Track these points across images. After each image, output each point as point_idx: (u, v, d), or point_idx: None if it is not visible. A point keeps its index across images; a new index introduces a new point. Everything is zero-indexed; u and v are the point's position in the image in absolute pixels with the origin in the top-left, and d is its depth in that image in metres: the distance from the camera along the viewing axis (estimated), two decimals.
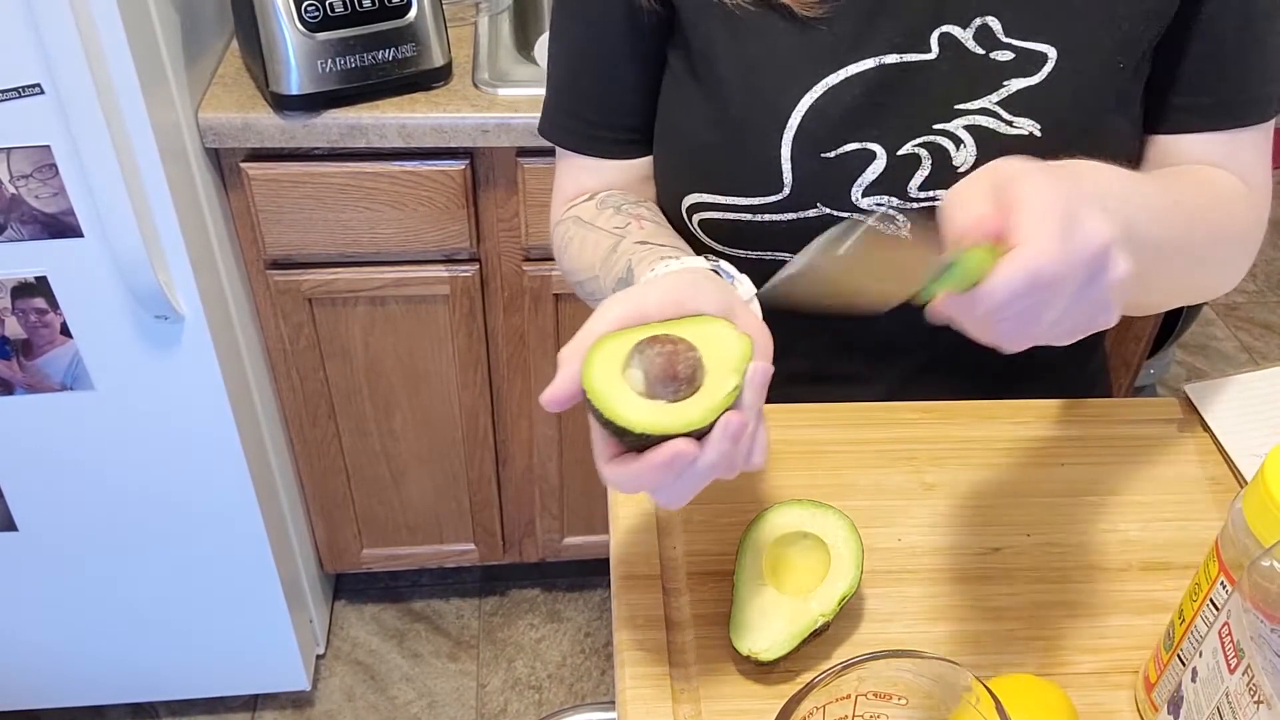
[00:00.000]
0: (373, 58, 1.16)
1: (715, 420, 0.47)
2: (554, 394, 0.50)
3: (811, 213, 0.68)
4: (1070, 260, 0.43)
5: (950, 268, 0.44)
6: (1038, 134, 0.65)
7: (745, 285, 0.60)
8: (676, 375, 0.48)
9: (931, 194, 0.67)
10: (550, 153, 0.80)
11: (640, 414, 0.47)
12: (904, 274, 0.46)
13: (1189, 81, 0.67)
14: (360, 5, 1.14)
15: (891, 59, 0.65)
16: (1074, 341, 0.49)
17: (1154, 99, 0.69)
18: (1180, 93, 0.68)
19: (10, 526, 1.33)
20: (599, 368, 0.49)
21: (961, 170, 0.66)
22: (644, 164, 0.77)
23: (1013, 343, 0.47)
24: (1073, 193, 0.45)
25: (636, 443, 0.47)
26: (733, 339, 0.50)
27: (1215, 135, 0.68)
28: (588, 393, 0.48)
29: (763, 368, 0.50)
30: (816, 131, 0.66)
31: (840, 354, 0.78)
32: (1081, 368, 0.87)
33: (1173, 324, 1.85)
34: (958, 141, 0.66)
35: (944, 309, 0.45)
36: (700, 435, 0.47)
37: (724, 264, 0.61)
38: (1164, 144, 0.70)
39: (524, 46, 1.40)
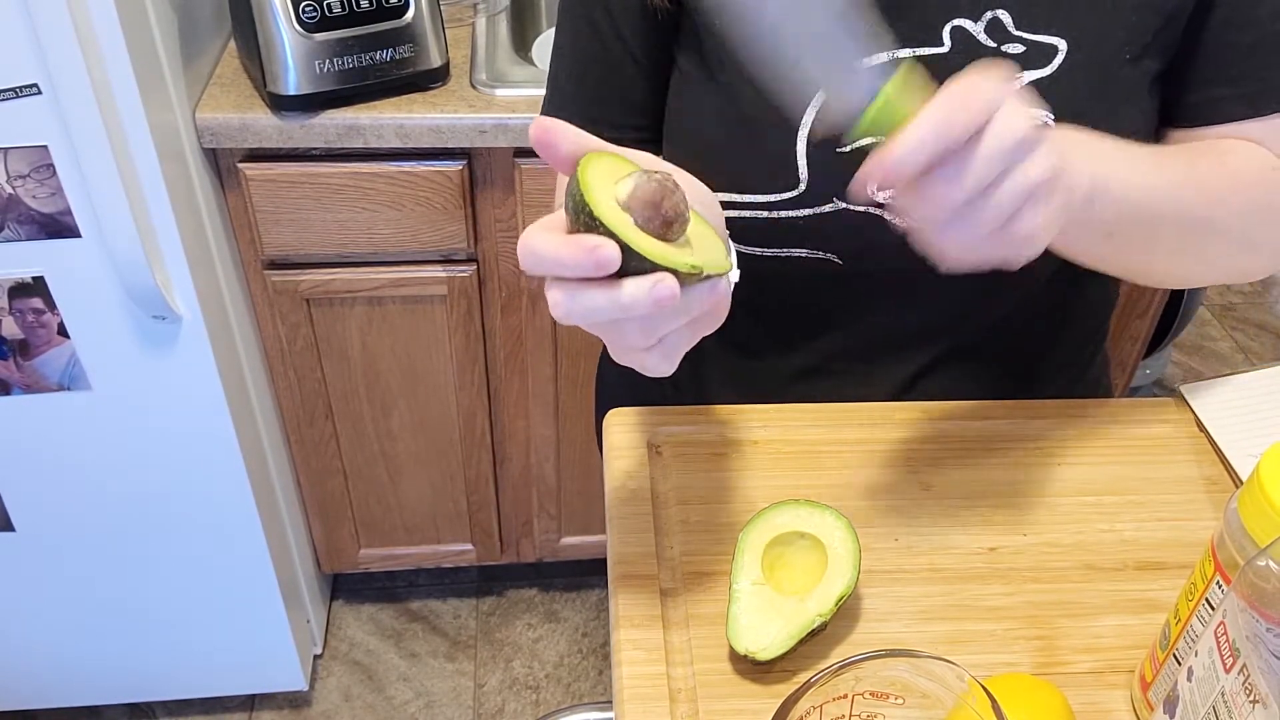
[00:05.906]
0: (370, 58, 1.16)
1: (655, 270, 0.45)
2: (562, 136, 0.48)
3: (827, 208, 0.68)
4: (961, 124, 0.44)
5: (874, 100, 0.46)
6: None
7: (734, 271, 0.61)
8: (659, 207, 0.46)
9: None
10: None
11: (606, 208, 0.46)
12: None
13: (1230, 72, 0.67)
14: (358, 6, 1.14)
15: (905, 53, 0.65)
16: (1006, 265, 0.50)
17: (1192, 94, 0.69)
18: (1221, 84, 0.67)
19: (7, 527, 1.33)
20: (604, 162, 0.48)
21: None
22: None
23: (929, 226, 0.48)
24: (1013, 96, 0.46)
25: (584, 227, 0.46)
26: (721, 258, 0.49)
27: (1257, 122, 0.67)
28: (579, 164, 0.47)
29: (721, 292, 0.48)
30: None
31: (848, 351, 0.79)
32: (1087, 367, 0.87)
33: (1169, 324, 1.85)
34: None
35: (864, 171, 0.47)
36: (631, 274, 0.46)
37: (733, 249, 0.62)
38: (1199, 135, 0.69)
39: (522, 47, 1.40)
